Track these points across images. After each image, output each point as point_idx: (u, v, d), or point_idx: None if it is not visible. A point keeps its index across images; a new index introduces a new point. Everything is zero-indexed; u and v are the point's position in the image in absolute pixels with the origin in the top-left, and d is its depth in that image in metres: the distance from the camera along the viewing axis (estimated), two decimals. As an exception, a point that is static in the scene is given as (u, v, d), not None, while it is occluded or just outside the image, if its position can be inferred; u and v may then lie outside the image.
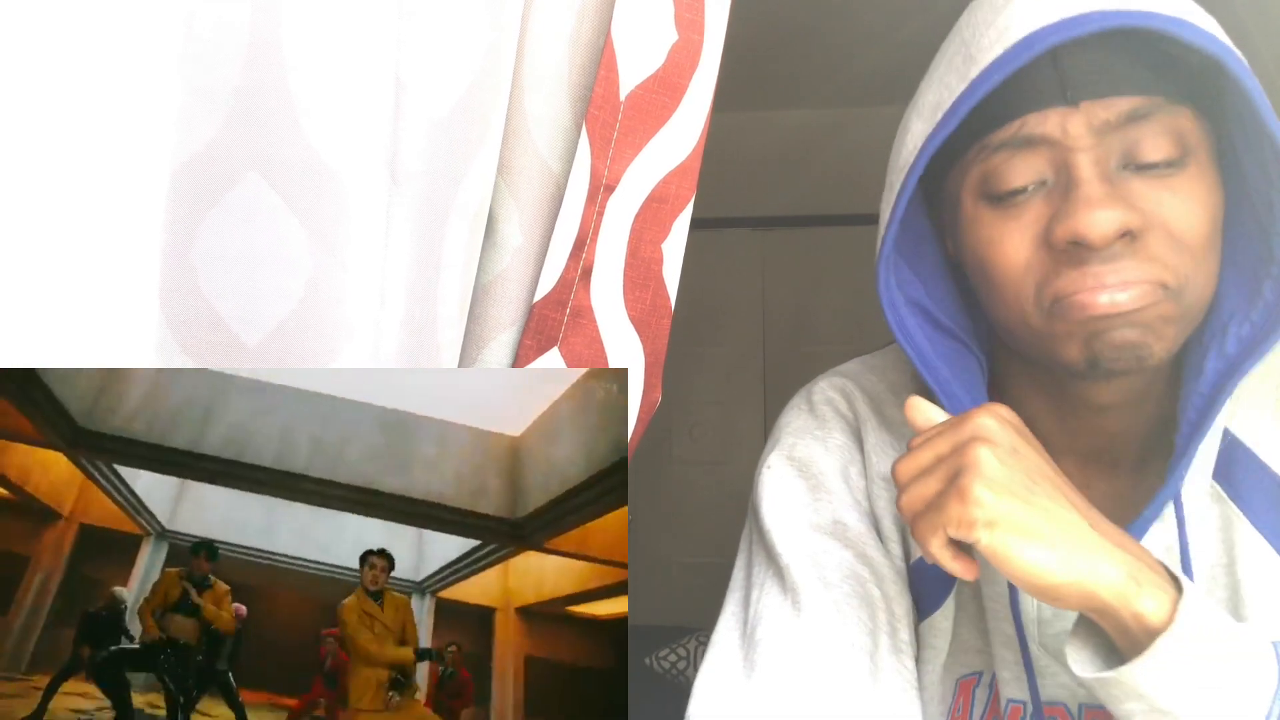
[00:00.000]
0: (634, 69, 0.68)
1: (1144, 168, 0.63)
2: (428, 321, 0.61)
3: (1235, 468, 0.68)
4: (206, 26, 0.51)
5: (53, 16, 0.47)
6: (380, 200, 0.56)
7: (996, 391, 0.76)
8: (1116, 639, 0.58)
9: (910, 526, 0.61)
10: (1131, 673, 0.56)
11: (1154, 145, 0.62)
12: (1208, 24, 0.63)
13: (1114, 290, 0.62)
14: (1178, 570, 0.59)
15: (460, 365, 0.66)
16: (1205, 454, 0.68)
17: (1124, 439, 0.71)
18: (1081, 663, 0.60)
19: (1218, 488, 0.68)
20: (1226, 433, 0.69)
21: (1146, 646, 0.55)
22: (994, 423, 0.60)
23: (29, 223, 0.47)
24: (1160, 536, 0.68)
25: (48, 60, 0.47)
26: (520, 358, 0.68)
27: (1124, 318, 0.62)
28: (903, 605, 0.74)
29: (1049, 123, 0.63)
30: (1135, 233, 0.61)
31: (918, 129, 0.68)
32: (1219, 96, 0.64)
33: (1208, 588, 0.68)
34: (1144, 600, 0.56)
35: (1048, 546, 0.56)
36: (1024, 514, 0.56)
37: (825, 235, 2.94)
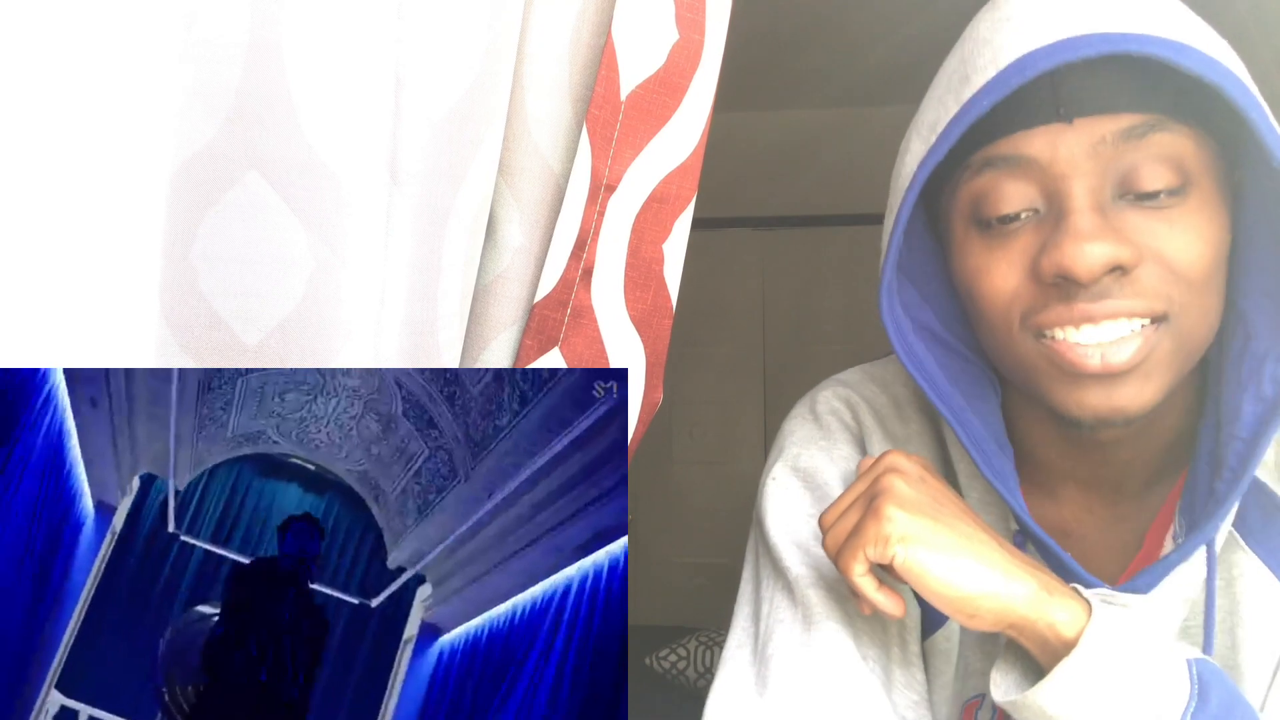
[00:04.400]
0: (635, 69, 0.68)
1: (1142, 198, 0.60)
2: (428, 321, 0.61)
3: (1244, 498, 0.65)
4: (206, 26, 0.51)
5: (53, 16, 0.47)
6: (380, 200, 0.56)
7: (1004, 415, 0.73)
8: (1039, 656, 0.59)
9: (835, 562, 0.63)
10: (1037, 696, 0.56)
11: (1152, 173, 0.59)
12: (1210, 45, 0.60)
13: (1107, 349, 0.59)
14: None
15: (461, 365, 0.66)
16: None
17: (1128, 468, 0.69)
18: (1002, 687, 0.60)
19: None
20: None
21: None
22: (902, 459, 0.64)
23: (29, 223, 0.47)
24: (1185, 576, 0.65)
25: (48, 60, 0.47)
26: (521, 358, 0.68)
27: (1116, 379, 0.60)
28: (912, 616, 0.72)
29: (1036, 142, 0.60)
30: (1126, 267, 0.59)
31: (916, 149, 0.66)
32: (1233, 115, 0.59)
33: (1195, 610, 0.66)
34: (1057, 611, 0.57)
35: (960, 560, 0.58)
36: (935, 530, 0.59)
37: (825, 235, 2.94)
